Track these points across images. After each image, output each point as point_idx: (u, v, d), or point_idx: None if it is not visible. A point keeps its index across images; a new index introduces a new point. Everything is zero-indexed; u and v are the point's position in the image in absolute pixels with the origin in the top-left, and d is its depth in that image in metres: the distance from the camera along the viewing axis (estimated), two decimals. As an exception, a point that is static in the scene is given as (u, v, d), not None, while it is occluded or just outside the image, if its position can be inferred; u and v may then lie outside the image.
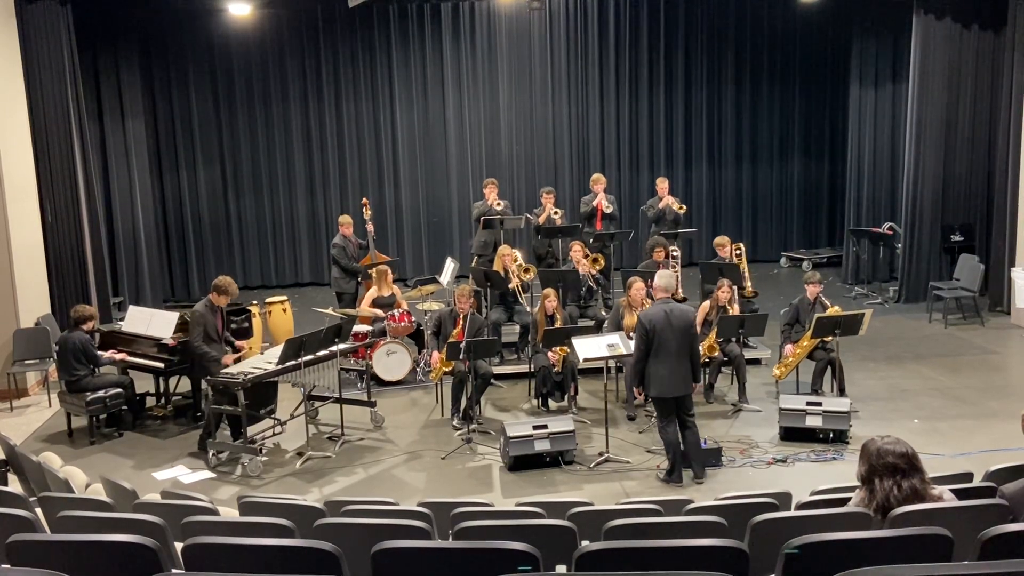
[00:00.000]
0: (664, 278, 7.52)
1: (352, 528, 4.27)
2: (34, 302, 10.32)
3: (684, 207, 11.74)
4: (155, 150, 14.10)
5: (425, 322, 10.01)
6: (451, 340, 8.54)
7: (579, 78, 14.74)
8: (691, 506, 5.10)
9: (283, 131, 14.52)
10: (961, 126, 12.42)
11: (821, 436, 8.05)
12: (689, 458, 7.39)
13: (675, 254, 10.62)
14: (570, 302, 10.09)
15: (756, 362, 10.07)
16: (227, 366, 8.24)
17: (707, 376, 9.18)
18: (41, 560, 3.37)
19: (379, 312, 10.14)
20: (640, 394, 8.02)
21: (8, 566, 3.42)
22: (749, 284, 10.16)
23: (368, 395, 9.01)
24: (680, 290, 10.15)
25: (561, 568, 3.85)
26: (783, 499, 4.97)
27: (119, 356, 9.00)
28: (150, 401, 9.35)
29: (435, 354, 9.04)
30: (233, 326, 8.95)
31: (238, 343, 9.00)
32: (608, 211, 11.43)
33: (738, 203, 15.67)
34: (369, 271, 10.67)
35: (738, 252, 10.44)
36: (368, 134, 14.68)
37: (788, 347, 9.08)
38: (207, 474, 7.83)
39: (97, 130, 13.01)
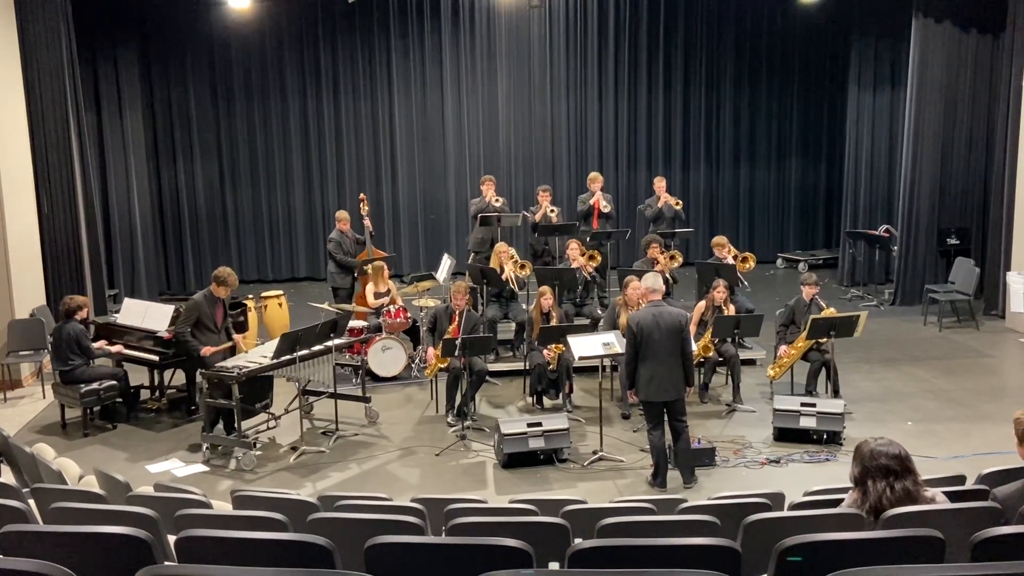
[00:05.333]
0: (650, 279, 7.35)
1: (345, 523, 4.26)
2: (29, 293, 10.30)
3: (680, 202, 11.76)
4: (152, 143, 14.08)
5: (421, 318, 10.01)
6: (446, 336, 8.54)
7: (578, 77, 14.75)
8: (684, 505, 5.11)
9: (281, 126, 14.51)
10: (959, 130, 12.45)
11: (815, 437, 8.05)
12: (678, 463, 7.31)
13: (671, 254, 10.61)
14: (566, 300, 10.09)
15: (751, 362, 10.08)
16: (205, 356, 8.23)
17: (702, 376, 9.19)
18: (34, 551, 3.36)
19: (377, 302, 10.14)
20: (633, 397, 7.97)
21: (0, 556, 3.42)
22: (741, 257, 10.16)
23: (363, 390, 9.01)
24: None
25: (554, 565, 3.85)
26: (776, 499, 4.97)
27: (115, 348, 8.99)
28: (144, 394, 9.34)
29: (430, 350, 9.03)
30: (229, 320, 8.94)
31: (235, 336, 9.00)
32: (605, 210, 11.44)
33: (735, 204, 15.69)
34: (365, 266, 10.67)
35: (743, 259, 10.40)
36: (366, 130, 14.67)
37: (783, 348, 9.09)
38: (201, 467, 7.82)
39: (94, 122, 12.99)
